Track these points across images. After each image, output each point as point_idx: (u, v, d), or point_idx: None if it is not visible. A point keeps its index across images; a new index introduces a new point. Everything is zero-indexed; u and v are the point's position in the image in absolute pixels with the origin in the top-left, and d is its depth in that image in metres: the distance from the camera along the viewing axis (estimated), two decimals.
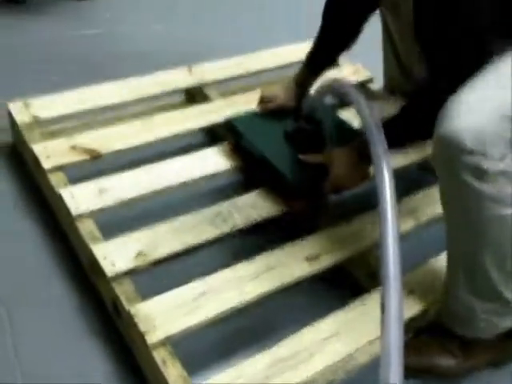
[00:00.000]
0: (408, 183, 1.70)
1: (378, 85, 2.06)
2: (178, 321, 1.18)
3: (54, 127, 1.76)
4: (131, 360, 1.23)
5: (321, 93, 1.50)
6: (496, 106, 1.02)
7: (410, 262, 1.29)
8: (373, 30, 1.58)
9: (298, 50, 1.92)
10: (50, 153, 1.56)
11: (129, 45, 2.46)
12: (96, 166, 1.59)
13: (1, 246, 1.47)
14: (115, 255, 1.30)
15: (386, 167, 1.05)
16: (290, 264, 1.33)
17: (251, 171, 1.65)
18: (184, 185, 1.54)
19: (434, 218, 1.51)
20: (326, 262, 1.36)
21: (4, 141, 1.79)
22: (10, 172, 1.70)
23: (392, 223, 0.97)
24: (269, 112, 1.68)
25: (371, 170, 1.24)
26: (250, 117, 1.68)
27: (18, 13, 2.66)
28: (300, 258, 1.35)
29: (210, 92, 1.93)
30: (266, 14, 2.88)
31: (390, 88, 1.97)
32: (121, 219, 1.49)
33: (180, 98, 1.99)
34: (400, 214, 1.01)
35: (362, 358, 1.19)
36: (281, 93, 1.68)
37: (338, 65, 1.71)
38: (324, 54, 1.63)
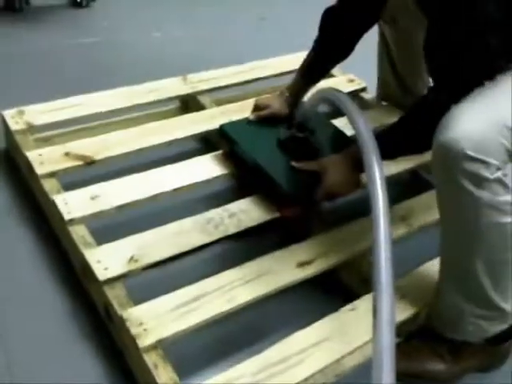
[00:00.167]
0: (400, 190, 1.71)
1: (371, 95, 2.08)
2: (170, 325, 1.18)
3: (48, 134, 1.76)
4: (123, 364, 1.23)
5: (314, 101, 1.51)
6: (497, 116, 1.03)
7: (402, 267, 1.30)
8: (364, 40, 1.59)
9: (292, 61, 1.95)
10: (44, 159, 1.57)
11: (126, 53, 2.48)
12: (89, 172, 1.60)
13: None
14: (107, 260, 1.30)
15: (379, 174, 1.06)
16: (281, 270, 1.34)
17: (244, 178, 1.66)
18: (176, 191, 1.54)
19: (426, 225, 1.52)
20: (318, 267, 1.37)
21: None
22: (3, 178, 1.70)
23: (384, 229, 0.99)
24: (262, 120, 1.69)
25: (364, 177, 1.25)
26: (243, 124, 1.69)
27: (15, 21, 2.68)
28: (292, 263, 1.36)
29: (204, 100, 1.94)
30: (263, 25, 2.91)
31: (384, 97, 1.99)
32: (113, 225, 1.49)
33: (174, 106, 2.00)
34: (392, 221, 1.03)
35: (353, 362, 1.19)
36: (274, 101, 1.69)
37: (331, 75, 1.73)
38: (319, 65, 1.65)
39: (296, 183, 1.50)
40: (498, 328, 1.22)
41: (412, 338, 1.28)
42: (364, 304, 1.28)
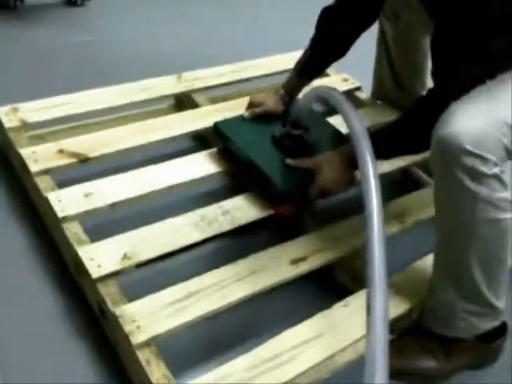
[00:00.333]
0: (394, 187, 1.72)
1: (365, 94, 2.08)
2: (163, 322, 1.18)
3: (42, 131, 1.76)
4: (116, 361, 1.23)
5: (308, 99, 1.51)
6: (497, 114, 1.05)
7: (396, 264, 1.31)
8: (360, 40, 1.59)
9: (286, 60, 1.95)
10: (38, 156, 1.56)
11: (120, 51, 2.47)
12: (83, 169, 1.59)
13: None
14: (101, 257, 1.30)
15: (373, 172, 1.07)
16: (274, 267, 1.34)
17: (238, 175, 1.66)
18: (171, 189, 1.54)
19: (420, 222, 1.53)
20: (311, 264, 1.37)
21: None
22: None
23: (378, 227, 1.00)
24: (257, 117, 1.69)
25: (358, 174, 1.25)
26: (238, 121, 1.69)
27: (9, 19, 2.66)
28: (285, 261, 1.36)
29: (198, 98, 1.94)
30: (257, 23, 2.91)
31: (379, 96, 1.99)
32: (107, 222, 1.49)
33: (169, 104, 2.00)
34: (386, 218, 1.03)
35: (346, 359, 1.19)
36: (269, 99, 1.69)
37: (325, 74, 1.73)
38: (315, 63, 1.65)
39: (290, 181, 1.50)
40: (489, 325, 1.22)
41: (405, 335, 1.28)
42: (357, 300, 1.28)
